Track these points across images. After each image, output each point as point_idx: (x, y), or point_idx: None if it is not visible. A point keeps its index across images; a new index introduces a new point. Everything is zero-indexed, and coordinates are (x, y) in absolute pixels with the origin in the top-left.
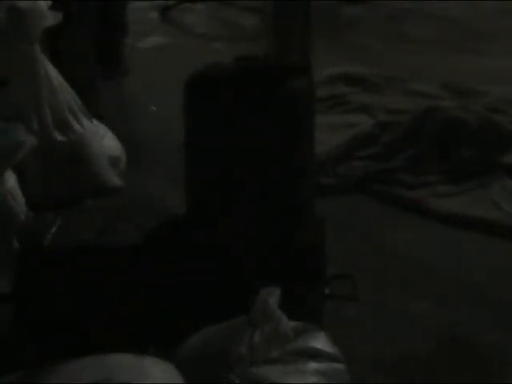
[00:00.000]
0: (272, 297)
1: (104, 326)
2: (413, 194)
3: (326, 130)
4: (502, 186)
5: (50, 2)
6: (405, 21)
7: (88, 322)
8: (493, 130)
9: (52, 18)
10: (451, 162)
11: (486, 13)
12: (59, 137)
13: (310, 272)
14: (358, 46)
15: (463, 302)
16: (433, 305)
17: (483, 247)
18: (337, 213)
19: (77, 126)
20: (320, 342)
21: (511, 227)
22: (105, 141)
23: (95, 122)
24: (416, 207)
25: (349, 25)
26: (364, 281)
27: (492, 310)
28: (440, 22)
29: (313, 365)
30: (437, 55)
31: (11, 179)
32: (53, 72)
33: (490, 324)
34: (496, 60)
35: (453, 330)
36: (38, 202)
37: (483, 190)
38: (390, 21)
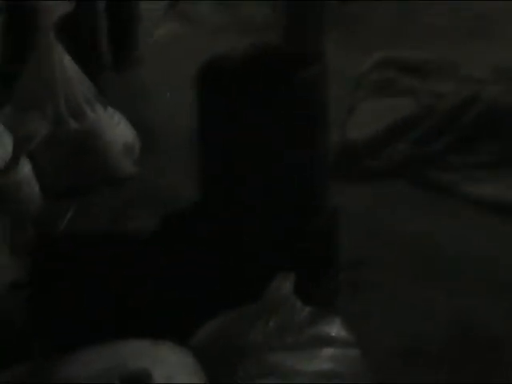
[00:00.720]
0: (286, 283)
1: (112, 316)
2: (448, 177)
3: (372, 113)
4: None
5: None
6: (416, 14)
7: (95, 312)
8: None
9: (65, 7)
10: (490, 147)
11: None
12: (73, 125)
13: (321, 261)
14: (369, 38)
15: (477, 293)
16: (444, 295)
17: (502, 236)
18: (359, 199)
19: (91, 115)
20: (335, 327)
21: None
22: (119, 129)
23: (110, 110)
24: (451, 191)
25: (358, 18)
26: (376, 271)
27: (506, 301)
28: (454, 15)
29: (328, 351)
30: (452, 48)
31: (26, 167)
32: (67, 60)
33: (503, 315)
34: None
35: (466, 321)
36: (52, 190)
37: None
38: (402, 14)
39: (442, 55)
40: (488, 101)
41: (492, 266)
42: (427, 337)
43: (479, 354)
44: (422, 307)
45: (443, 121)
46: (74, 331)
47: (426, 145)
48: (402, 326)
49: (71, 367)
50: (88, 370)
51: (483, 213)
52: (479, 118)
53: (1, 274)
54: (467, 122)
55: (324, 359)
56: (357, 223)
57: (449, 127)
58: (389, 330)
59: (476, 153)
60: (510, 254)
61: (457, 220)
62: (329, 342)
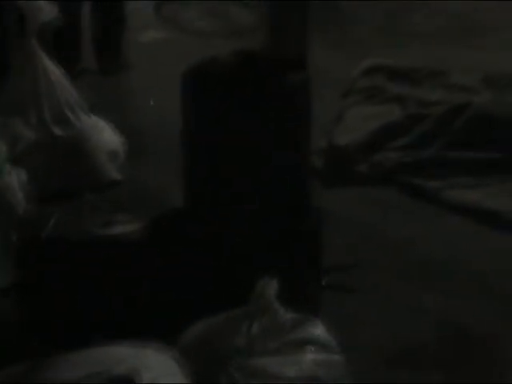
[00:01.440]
0: (269, 288)
1: (103, 318)
2: (434, 184)
3: (361, 120)
4: None
5: None
6: (405, 15)
7: (87, 314)
8: None
9: (51, 11)
10: (478, 155)
11: (487, 7)
12: (58, 131)
13: (307, 264)
14: (358, 41)
15: (469, 294)
16: (440, 297)
17: (493, 240)
18: (348, 204)
19: (75, 121)
20: (317, 333)
21: None
22: (103, 135)
23: (93, 116)
24: (435, 198)
25: (348, 19)
26: (369, 273)
27: (499, 303)
28: (442, 17)
29: (310, 356)
30: (441, 50)
31: (9, 173)
32: (51, 66)
33: (496, 317)
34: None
35: (459, 322)
36: (38, 196)
37: (504, 184)
38: (390, 15)
39: (431, 60)
40: (477, 109)
41: (482, 268)
42: (421, 338)
43: (473, 354)
44: (415, 309)
45: (432, 128)
46: (68, 333)
47: (415, 152)
48: (396, 327)
49: (56, 371)
50: (73, 374)
51: (470, 218)
52: (468, 126)
53: None
54: (456, 130)
55: (306, 364)
56: (350, 227)
57: (437, 135)
58: (383, 331)
59: (463, 160)
60: (498, 257)
61: (446, 225)
62: (312, 346)
